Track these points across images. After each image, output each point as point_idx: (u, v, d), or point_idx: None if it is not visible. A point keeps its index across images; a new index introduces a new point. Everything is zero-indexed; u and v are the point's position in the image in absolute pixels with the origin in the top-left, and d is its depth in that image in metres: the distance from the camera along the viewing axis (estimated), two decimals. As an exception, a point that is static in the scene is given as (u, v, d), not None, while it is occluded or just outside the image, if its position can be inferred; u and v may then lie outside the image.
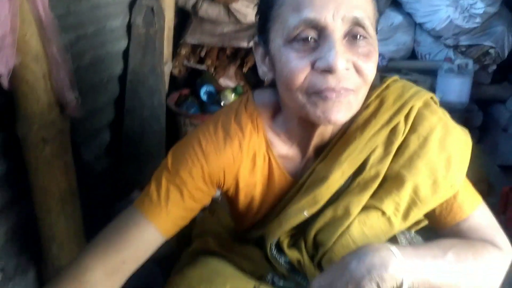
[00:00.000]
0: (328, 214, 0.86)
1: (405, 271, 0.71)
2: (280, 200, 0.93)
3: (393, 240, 0.88)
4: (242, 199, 0.93)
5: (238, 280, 0.89)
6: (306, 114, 0.79)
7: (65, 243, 1.26)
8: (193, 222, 1.33)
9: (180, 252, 1.12)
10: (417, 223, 0.97)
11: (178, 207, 0.86)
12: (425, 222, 0.95)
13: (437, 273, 0.74)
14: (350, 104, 0.77)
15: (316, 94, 0.76)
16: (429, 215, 0.88)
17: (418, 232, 1.03)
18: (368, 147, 0.84)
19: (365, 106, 0.86)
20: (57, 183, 1.21)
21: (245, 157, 0.88)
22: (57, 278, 0.81)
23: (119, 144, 1.89)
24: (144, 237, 0.85)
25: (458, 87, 2.48)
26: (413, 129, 0.84)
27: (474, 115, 2.60)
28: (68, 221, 1.25)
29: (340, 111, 0.76)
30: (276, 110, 0.91)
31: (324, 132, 0.87)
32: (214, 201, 1.29)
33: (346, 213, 0.84)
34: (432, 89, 2.50)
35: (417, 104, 0.85)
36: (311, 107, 0.77)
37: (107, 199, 1.64)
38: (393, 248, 0.73)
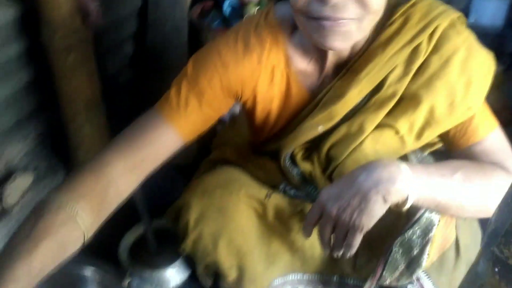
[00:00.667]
0: (343, 130, 0.88)
1: (411, 187, 0.73)
2: (296, 115, 0.94)
3: (404, 158, 0.90)
4: (259, 112, 0.95)
5: (252, 187, 0.95)
6: (309, 36, 0.79)
7: (91, 149, 1.33)
8: (214, 133, 1.38)
9: (200, 161, 1.18)
10: (431, 144, 0.98)
11: (197, 114, 0.88)
12: (439, 145, 0.96)
13: (443, 191, 0.77)
14: (349, 33, 0.76)
15: (314, 20, 0.75)
16: (443, 136, 0.89)
17: (432, 154, 1.05)
18: (388, 65, 0.84)
19: (389, 23, 0.85)
20: (82, 91, 1.25)
21: (264, 70, 0.89)
22: (79, 170, 0.82)
23: (142, 56, 1.90)
24: (163, 138, 0.87)
25: (493, 10, 2.34)
26: (435, 49, 0.83)
27: (508, 40, 2.48)
28: (93, 128, 1.31)
29: (336, 40, 0.76)
30: (296, 25, 0.90)
31: (339, 51, 0.87)
32: (234, 113, 1.33)
33: (360, 129, 0.86)
34: (466, 10, 2.38)
35: (443, 23, 0.83)
36: (310, 31, 0.77)
37: (131, 110, 1.69)
38: (403, 164, 0.75)
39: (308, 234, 0.81)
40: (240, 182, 0.96)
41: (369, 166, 0.76)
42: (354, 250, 0.77)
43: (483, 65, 0.83)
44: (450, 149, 0.90)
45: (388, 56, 0.83)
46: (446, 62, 0.82)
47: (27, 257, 0.68)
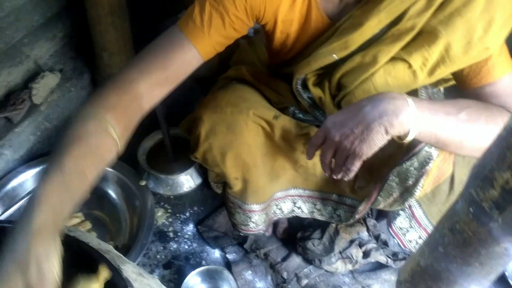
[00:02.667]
0: (356, 59, 0.88)
1: (414, 122, 0.75)
2: (314, 40, 0.94)
3: (414, 92, 0.91)
4: (278, 35, 0.95)
5: (261, 108, 0.98)
6: None
7: (115, 53, 1.36)
8: (236, 47, 1.39)
9: (218, 75, 1.21)
10: (445, 80, 0.98)
11: (219, 34, 0.88)
12: (453, 81, 0.96)
13: (445, 129, 0.78)
14: None
15: None
16: (456, 74, 0.89)
17: (445, 89, 1.05)
18: None
19: None
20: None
21: None
22: (105, 88, 0.83)
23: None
24: (186, 57, 0.87)
25: None
26: None
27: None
28: (117, 32, 1.33)
29: None
30: None
31: None
32: (255, 32, 1.33)
33: (374, 60, 0.86)
34: None
35: None
36: None
37: (156, 16, 1.69)
38: (409, 99, 0.76)
39: (310, 156, 0.86)
40: (250, 101, 0.99)
41: (376, 97, 0.77)
42: (352, 175, 0.82)
43: (507, 6, 0.80)
44: (461, 87, 0.89)
45: None
46: None
47: (59, 160, 0.68)
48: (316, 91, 0.96)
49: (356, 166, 0.80)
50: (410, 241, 1.04)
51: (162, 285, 0.78)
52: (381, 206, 0.95)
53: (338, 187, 1.03)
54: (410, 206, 1.00)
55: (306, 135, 0.96)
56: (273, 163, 1.01)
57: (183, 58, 0.88)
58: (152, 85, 0.85)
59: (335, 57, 0.89)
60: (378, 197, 0.94)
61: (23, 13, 1.28)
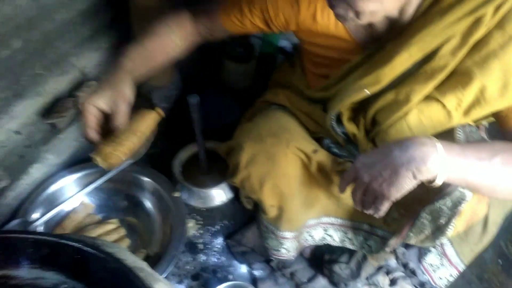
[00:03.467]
0: (389, 96, 0.88)
1: (442, 167, 0.74)
2: (343, 61, 0.96)
3: (451, 131, 0.90)
4: (306, 45, 1.00)
5: (301, 140, 1.00)
6: None
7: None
8: (271, 67, 1.41)
9: (255, 87, 1.25)
10: (485, 117, 0.96)
11: (253, 26, 1.03)
12: (491, 119, 0.95)
13: (476, 173, 0.76)
14: None
15: None
16: (494, 114, 0.87)
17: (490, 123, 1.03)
18: (444, 34, 0.80)
19: None
20: (152, 10, 1.29)
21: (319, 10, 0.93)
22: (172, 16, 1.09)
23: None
24: (215, 24, 1.08)
25: None
26: (500, 25, 0.78)
27: None
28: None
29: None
30: None
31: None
32: (295, 55, 1.35)
33: (407, 99, 0.85)
34: None
35: None
36: None
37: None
38: (439, 144, 0.75)
39: (342, 190, 0.87)
40: (291, 132, 1.02)
41: (405, 142, 0.76)
42: (381, 213, 0.82)
43: None
44: (501, 127, 0.88)
45: (445, 24, 0.80)
46: (509, 41, 0.77)
47: (140, 44, 1.00)
48: (350, 127, 0.97)
49: (384, 207, 0.80)
50: (441, 278, 1.03)
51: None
52: (412, 241, 0.95)
53: (370, 217, 1.04)
54: (442, 244, 0.99)
55: (341, 171, 0.97)
56: (308, 192, 1.03)
57: (212, 24, 1.09)
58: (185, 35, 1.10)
59: (367, 92, 0.89)
60: (410, 233, 0.94)
61: (73, 25, 1.34)
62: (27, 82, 1.24)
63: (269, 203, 1.04)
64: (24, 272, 0.72)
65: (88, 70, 1.42)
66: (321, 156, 0.99)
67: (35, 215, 1.19)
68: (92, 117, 0.90)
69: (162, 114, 1.07)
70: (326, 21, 0.93)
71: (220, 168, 1.41)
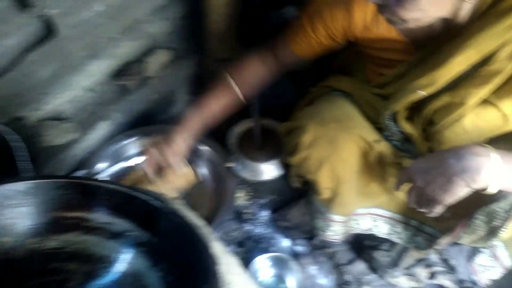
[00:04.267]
0: (445, 98, 0.88)
1: (496, 176, 0.74)
2: (399, 60, 0.97)
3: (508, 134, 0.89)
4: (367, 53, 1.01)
5: (364, 129, 1.03)
6: None
7: (224, 40, 1.46)
8: (333, 56, 1.43)
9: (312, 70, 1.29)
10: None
11: (320, 45, 1.05)
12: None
13: None
14: None
15: None
16: None
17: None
18: (501, 37, 0.79)
19: None
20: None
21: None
22: (236, 63, 1.20)
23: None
24: (285, 53, 1.14)
25: None
26: None
27: None
28: (229, 22, 1.42)
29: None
30: None
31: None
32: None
33: (462, 102, 0.85)
34: None
35: None
36: None
37: (261, 10, 1.76)
38: (493, 154, 0.75)
39: (397, 189, 0.89)
40: (354, 120, 1.04)
41: (460, 151, 0.77)
42: (435, 215, 0.84)
43: None
44: None
45: (503, 27, 0.78)
46: None
47: (199, 101, 1.17)
48: (406, 126, 0.98)
49: (437, 210, 0.82)
50: (489, 279, 1.04)
51: (241, 267, 0.87)
52: (464, 241, 0.96)
53: (421, 214, 1.05)
54: (493, 246, 0.99)
55: (398, 164, 0.99)
56: (363, 181, 1.06)
57: (285, 55, 1.15)
58: (262, 62, 1.19)
59: (423, 93, 0.90)
60: (463, 233, 0.95)
61: (149, -6, 1.40)
62: (103, 44, 1.33)
63: (324, 185, 1.07)
64: (97, 216, 0.80)
65: (158, 38, 1.49)
66: (383, 146, 1.01)
67: (98, 168, 1.29)
68: (149, 160, 1.20)
69: (200, 180, 1.33)
70: (379, 25, 0.95)
71: (272, 145, 1.46)
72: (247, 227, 1.34)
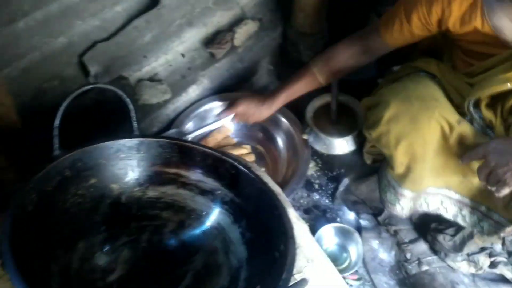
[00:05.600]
0: None
1: None
2: (490, 54, 0.98)
3: None
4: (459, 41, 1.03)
5: (446, 110, 1.05)
6: None
7: (310, 15, 1.50)
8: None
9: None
10: None
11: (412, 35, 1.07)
12: None
13: None
14: None
15: None
16: None
17: None
18: None
19: None
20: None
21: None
22: (325, 51, 1.27)
23: None
24: (375, 42, 1.18)
25: None
26: None
27: None
28: (312, 3, 1.46)
29: None
30: None
31: None
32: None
33: None
34: None
35: None
36: None
37: None
38: None
39: (465, 163, 0.92)
40: (439, 101, 1.06)
41: None
42: (502, 194, 0.86)
43: None
44: None
45: None
46: None
47: (285, 90, 1.30)
48: (487, 114, 0.99)
49: (505, 191, 0.85)
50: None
51: (309, 233, 0.95)
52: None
53: (490, 200, 1.07)
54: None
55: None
56: (439, 161, 1.08)
57: (376, 45, 1.19)
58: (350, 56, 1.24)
59: (510, 86, 0.91)
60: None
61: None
62: (199, 13, 1.42)
63: (400, 160, 1.11)
64: (191, 174, 0.91)
65: (247, 9, 1.56)
66: (465, 127, 1.03)
67: (187, 128, 1.42)
68: (233, 109, 1.36)
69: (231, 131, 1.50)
70: (474, 19, 0.96)
71: (347, 121, 1.51)
72: (315, 196, 1.42)
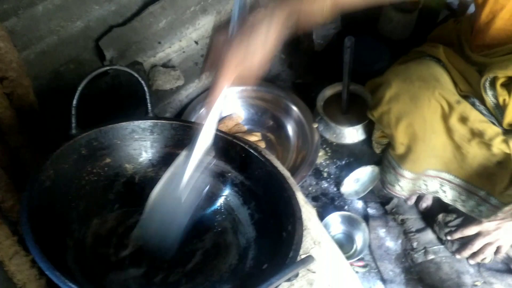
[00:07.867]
0: None
1: None
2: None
3: None
4: (486, 13, 1.02)
5: (447, 91, 1.06)
6: None
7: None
8: (432, 26, 1.43)
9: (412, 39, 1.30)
10: None
11: None
12: None
13: None
14: None
15: None
16: None
17: None
18: None
19: None
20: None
21: None
22: None
23: None
24: None
25: None
26: None
27: None
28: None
29: None
30: None
31: None
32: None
33: None
34: None
35: None
36: None
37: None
38: None
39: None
40: (439, 82, 1.07)
41: None
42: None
43: None
44: None
45: None
46: None
47: None
48: (502, 92, 0.99)
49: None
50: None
51: (317, 216, 0.97)
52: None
53: (490, 185, 1.08)
54: None
55: (479, 132, 1.02)
56: (439, 142, 1.10)
57: None
58: None
59: None
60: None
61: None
62: (213, 0, 1.44)
63: (400, 140, 1.13)
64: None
65: (261, -3, 1.57)
66: (464, 108, 1.04)
67: (199, 114, 1.44)
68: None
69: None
70: None
71: (357, 110, 1.51)
72: (324, 184, 1.44)
